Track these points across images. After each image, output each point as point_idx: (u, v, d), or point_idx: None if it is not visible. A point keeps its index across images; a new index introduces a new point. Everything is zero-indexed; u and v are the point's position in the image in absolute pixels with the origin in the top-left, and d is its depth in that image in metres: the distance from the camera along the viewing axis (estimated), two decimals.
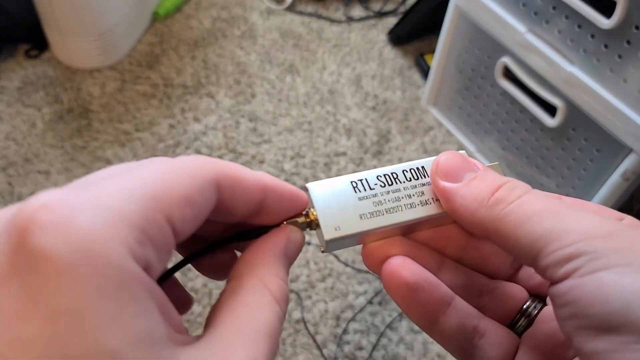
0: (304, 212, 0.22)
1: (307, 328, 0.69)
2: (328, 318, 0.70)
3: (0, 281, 0.14)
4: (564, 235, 0.18)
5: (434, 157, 0.23)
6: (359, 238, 0.22)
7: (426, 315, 0.22)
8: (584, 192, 0.71)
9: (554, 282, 0.18)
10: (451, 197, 0.21)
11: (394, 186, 0.23)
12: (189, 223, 0.17)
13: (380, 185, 0.23)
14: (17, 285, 0.14)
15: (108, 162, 0.83)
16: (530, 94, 0.72)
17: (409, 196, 0.23)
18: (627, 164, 0.63)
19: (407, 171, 0.23)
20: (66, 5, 0.86)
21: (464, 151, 0.23)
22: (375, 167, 0.84)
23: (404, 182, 0.23)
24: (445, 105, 0.90)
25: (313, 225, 0.22)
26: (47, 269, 0.14)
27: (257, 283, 0.19)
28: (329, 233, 0.22)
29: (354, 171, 0.84)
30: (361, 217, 0.22)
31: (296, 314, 0.70)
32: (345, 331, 0.69)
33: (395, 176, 0.23)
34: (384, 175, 0.23)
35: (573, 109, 0.67)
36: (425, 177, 0.23)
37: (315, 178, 0.83)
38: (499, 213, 0.20)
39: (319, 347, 0.68)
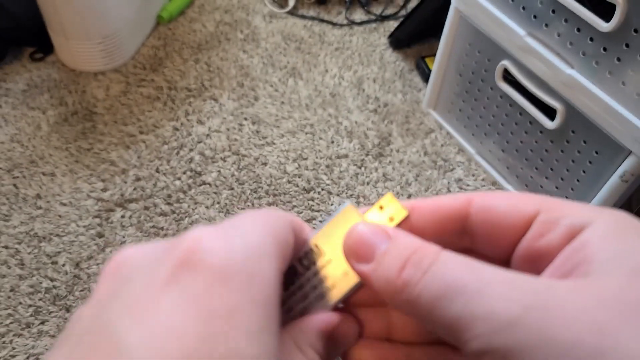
0: None
1: None
2: None
3: (161, 286, 0.16)
4: (470, 326, 0.16)
5: (321, 227, 0.22)
6: None
7: None
8: (583, 193, 0.72)
9: None
10: (369, 283, 0.20)
11: (297, 283, 0.21)
12: (286, 262, 0.19)
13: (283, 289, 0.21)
14: (178, 288, 0.16)
15: (112, 164, 0.84)
16: (530, 96, 0.72)
17: (314, 287, 0.21)
18: (626, 165, 0.64)
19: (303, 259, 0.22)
20: (71, 9, 0.87)
21: (388, 195, 0.22)
22: (376, 169, 0.85)
23: (304, 273, 0.22)
24: (445, 108, 0.91)
25: None
26: (206, 275, 0.16)
27: (291, 343, 0.20)
28: None
29: (356, 173, 0.85)
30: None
31: None
32: None
33: (293, 271, 0.22)
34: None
35: (572, 111, 0.68)
36: (320, 255, 0.22)
37: (317, 180, 0.83)
38: (409, 298, 0.18)
39: None
